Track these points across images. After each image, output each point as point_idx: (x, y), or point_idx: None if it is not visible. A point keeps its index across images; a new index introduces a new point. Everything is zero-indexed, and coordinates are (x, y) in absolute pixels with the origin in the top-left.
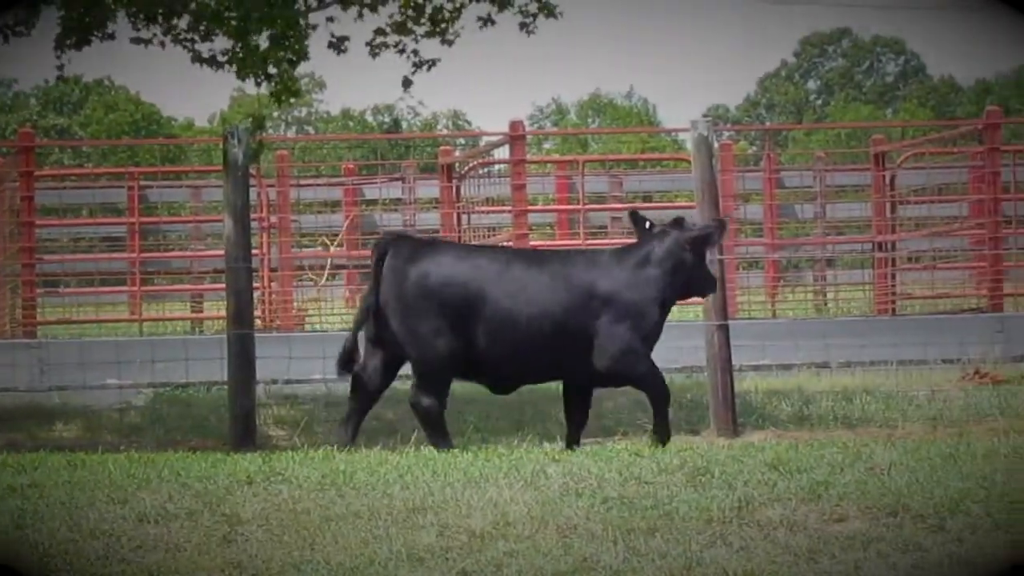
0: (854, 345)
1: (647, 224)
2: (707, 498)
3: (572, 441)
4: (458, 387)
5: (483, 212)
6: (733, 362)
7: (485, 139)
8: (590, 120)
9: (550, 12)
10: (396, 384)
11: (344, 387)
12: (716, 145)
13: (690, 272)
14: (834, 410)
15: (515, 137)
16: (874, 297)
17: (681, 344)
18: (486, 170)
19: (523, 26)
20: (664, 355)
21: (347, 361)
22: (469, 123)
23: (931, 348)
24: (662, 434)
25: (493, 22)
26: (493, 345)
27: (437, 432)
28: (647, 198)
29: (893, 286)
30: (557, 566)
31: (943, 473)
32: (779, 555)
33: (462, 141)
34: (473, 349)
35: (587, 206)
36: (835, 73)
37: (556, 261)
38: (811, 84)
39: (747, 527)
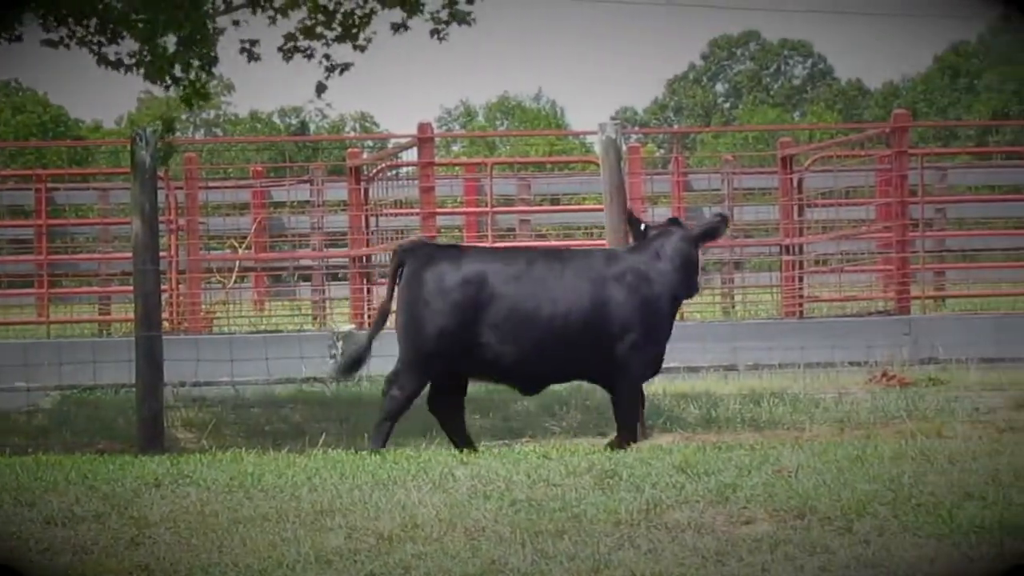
0: (762, 348)
1: (642, 226)
2: (615, 500)
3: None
4: (364, 391)
5: (391, 214)
6: None
7: (393, 141)
8: (498, 123)
9: (462, 19)
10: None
11: (252, 390)
12: (624, 148)
13: (695, 269)
14: (742, 413)
15: (423, 139)
16: (781, 300)
17: None
18: (394, 172)
19: (435, 32)
20: None
21: (354, 365)
22: (377, 125)
23: (838, 351)
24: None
25: (407, 27)
26: (515, 346)
27: (383, 427)
28: (555, 200)
29: (800, 289)
30: (465, 568)
31: (850, 475)
32: (687, 557)
33: (370, 143)
34: (491, 350)
35: (495, 208)
36: (743, 76)
37: (574, 260)
38: (719, 87)
39: (655, 529)
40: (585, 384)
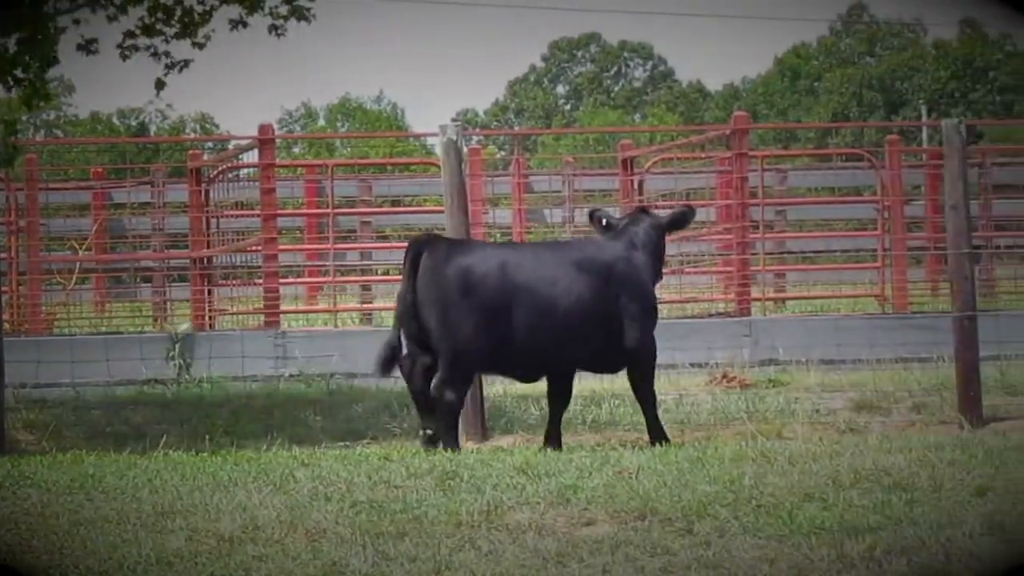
0: None
1: (604, 221)
2: (456, 502)
3: (553, 434)
4: (205, 392)
5: (232, 216)
6: None
7: (234, 143)
8: (339, 124)
9: (301, 15)
10: (146, 388)
11: (93, 392)
12: (465, 149)
13: (663, 256)
14: (583, 414)
15: (264, 141)
16: None
17: None
18: (235, 174)
19: (273, 28)
20: None
21: (390, 360)
22: (217, 127)
23: (679, 352)
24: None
25: (245, 24)
26: (527, 337)
27: (451, 428)
28: (396, 202)
29: None
30: (306, 570)
31: (691, 476)
32: (528, 559)
33: (211, 145)
34: (507, 343)
35: (336, 210)
36: (584, 78)
37: (575, 250)
38: (560, 89)
39: (496, 531)
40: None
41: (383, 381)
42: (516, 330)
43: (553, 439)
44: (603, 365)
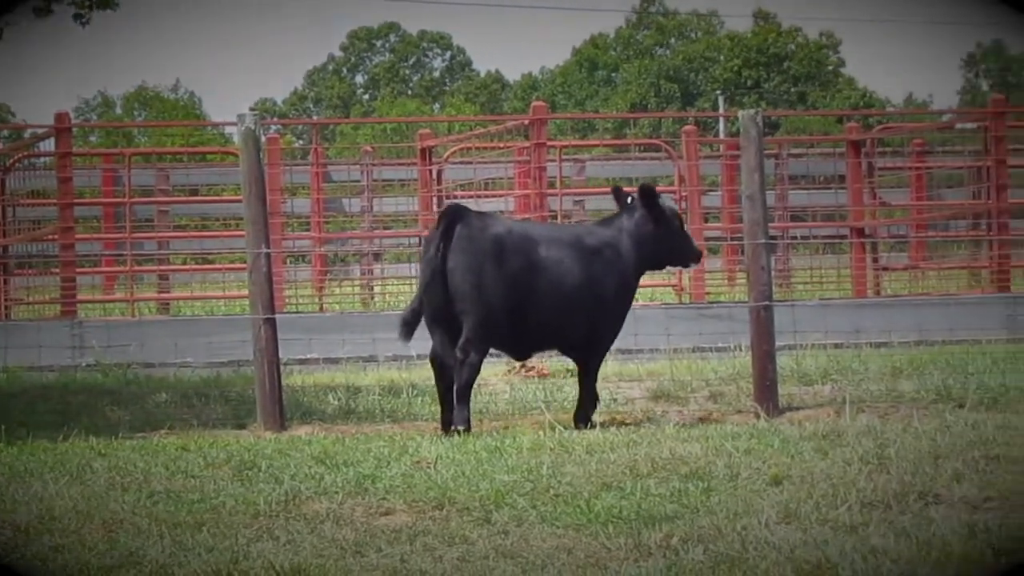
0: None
1: (629, 198)
2: (254, 492)
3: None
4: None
5: (28, 205)
6: (280, 356)
7: (30, 131)
8: (136, 113)
9: (106, 3)
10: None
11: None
12: (263, 139)
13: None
14: (381, 404)
15: (60, 129)
16: None
17: (230, 338)
18: (31, 163)
19: (77, 17)
20: (209, 350)
21: (412, 324)
22: (13, 115)
23: None
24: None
25: (51, 11)
26: (539, 311)
27: (467, 391)
28: (194, 191)
29: None
30: (103, 561)
31: (489, 466)
32: (325, 548)
33: (6, 133)
34: (524, 315)
35: (133, 199)
36: (382, 68)
37: (580, 232)
38: (358, 78)
39: (294, 521)
40: (224, 376)
41: (180, 372)
42: (532, 304)
43: None
44: (578, 349)
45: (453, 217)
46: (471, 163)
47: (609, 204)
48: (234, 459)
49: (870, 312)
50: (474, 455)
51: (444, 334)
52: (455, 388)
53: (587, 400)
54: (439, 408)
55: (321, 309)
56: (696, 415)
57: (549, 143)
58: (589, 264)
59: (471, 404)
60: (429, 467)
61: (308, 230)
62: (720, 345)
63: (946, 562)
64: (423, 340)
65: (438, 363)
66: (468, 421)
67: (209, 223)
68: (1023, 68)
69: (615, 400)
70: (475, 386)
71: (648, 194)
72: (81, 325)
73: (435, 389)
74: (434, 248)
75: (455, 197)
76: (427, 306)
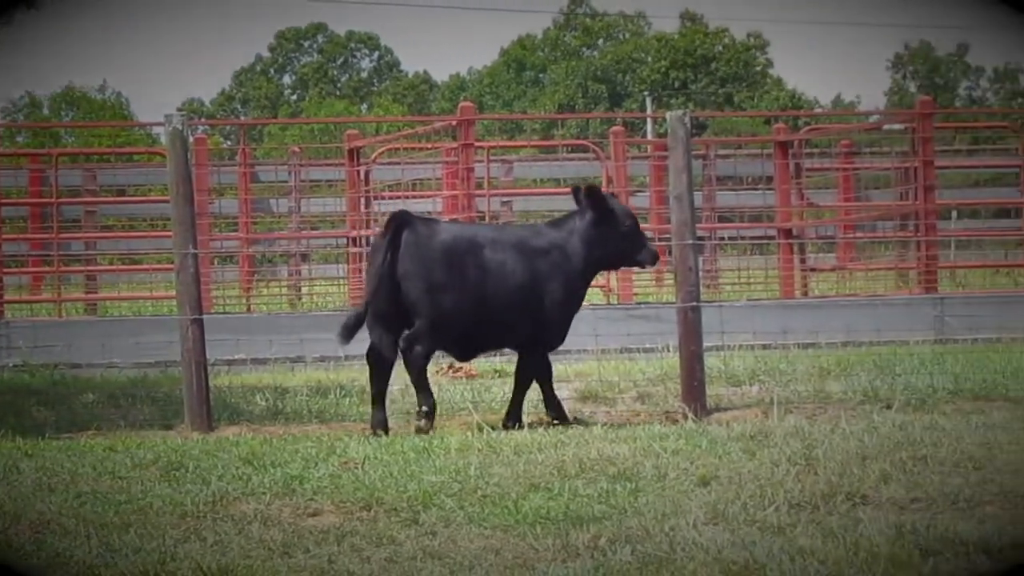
0: (328, 340)
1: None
2: (181, 493)
3: (549, 402)
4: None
5: None
6: (207, 356)
7: None
8: (63, 114)
9: (30, 4)
10: None
11: None
12: (191, 139)
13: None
14: (308, 405)
15: None
16: (348, 292)
17: (158, 339)
18: None
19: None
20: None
21: (353, 329)
22: None
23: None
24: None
25: None
26: (484, 314)
27: (423, 381)
28: (121, 191)
29: None
30: (30, 561)
31: (417, 467)
32: (253, 549)
33: None
34: (471, 317)
35: (60, 200)
36: (310, 68)
37: (522, 233)
38: (286, 79)
39: (221, 522)
40: (151, 376)
41: (107, 372)
42: (480, 306)
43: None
44: (524, 348)
45: (400, 224)
46: (399, 164)
47: (536, 205)
48: (161, 460)
49: (798, 313)
50: (402, 456)
51: (385, 333)
52: (411, 381)
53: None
54: (370, 408)
55: (249, 310)
56: (624, 415)
57: (477, 144)
58: (535, 265)
59: (430, 388)
60: (357, 468)
61: (236, 231)
62: (648, 346)
63: (873, 563)
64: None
65: (375, 361)
66: (433, 405)
67: (136, 223)
68: (950, 70)
69: (542, 401)
70: (398, 385)
71: (594, 194)
72: (8, 325)
73: (363, 390)
74: (381, 256)
75: (383, 198)
76: (375, 310)
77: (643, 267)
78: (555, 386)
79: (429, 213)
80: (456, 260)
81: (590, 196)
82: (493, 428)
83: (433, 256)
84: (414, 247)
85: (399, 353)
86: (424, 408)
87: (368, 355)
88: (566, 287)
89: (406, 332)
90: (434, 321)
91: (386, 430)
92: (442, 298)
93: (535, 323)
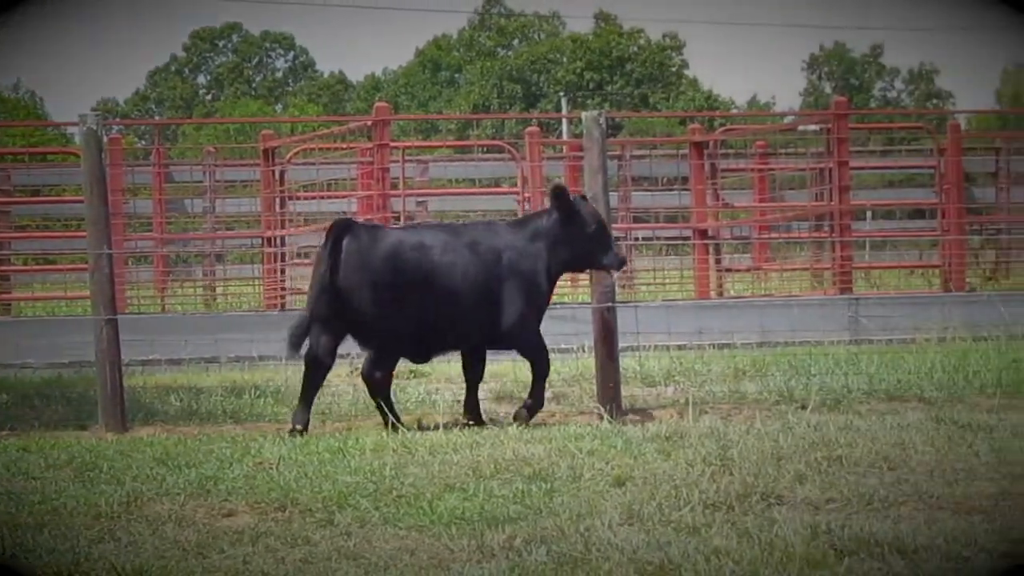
0: (244, 340)
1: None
2: (95, 493)
3: (469, 402)
4: None
5: None
6: (122, 357)
7: None
8: None
9: None
10: None
11: None
12: (105, 139)
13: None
14: (223, 405)
15: None
16: (263, 292)
17: (72, 339)
18: None
19: None
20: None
21: (300, 339)
22: None
23: None
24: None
25: None
26: (436, 318)
27: (389, 403)
28: (36, 191)
29: (283, 281)
30: None
31: (332, 467)
32: (168, 550)
33: None
34: (422, 324)
35: None
36: (225, 68)
37: (477, 233)
38: (201, 79)
39: (136, 522)
40: (65, 376)
41: (21, 372)
42: (430, 310)
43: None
44: (490, 345)
45: (340, 233)
46: (314, 164)
47: (451, 205)
48: (76, 460)
49: (713, 313)
50: (317, 456)
51: (325, 338)
52: (380, 404)
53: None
54: (297, 404)
55: (163, 310)
56: (539, 417)
57: (392, 144)
58: (487, 266)
59: (392, 403)
60: (272, 468)
61: (150, 231)
62: (563, 346)
63: (788, 563)
64: (263, 342)
65: (311, 363)
66: (397, 416)
67: (51, 223)
68: (865, 70)
69: (458, 401)
70: (319, 385)
71: (559, 195)
72: None
73: (278, 390)
74: (325, 266)
75: (298, 198)
76: (316, 315)
77: (609, 271)
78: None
79: (344, 213)
80: (401, 268)
81: (555, 196)
82: (408, 428)
83: (375, 266)
84: (356, 256)
85: (333, 361)
86: (393, 424)
87: (306, 356)
88: (525, 286)
89: (365, 359)
90: (384, 337)
91: (306, 429)
92: (389, 311)
93: (492, 324)
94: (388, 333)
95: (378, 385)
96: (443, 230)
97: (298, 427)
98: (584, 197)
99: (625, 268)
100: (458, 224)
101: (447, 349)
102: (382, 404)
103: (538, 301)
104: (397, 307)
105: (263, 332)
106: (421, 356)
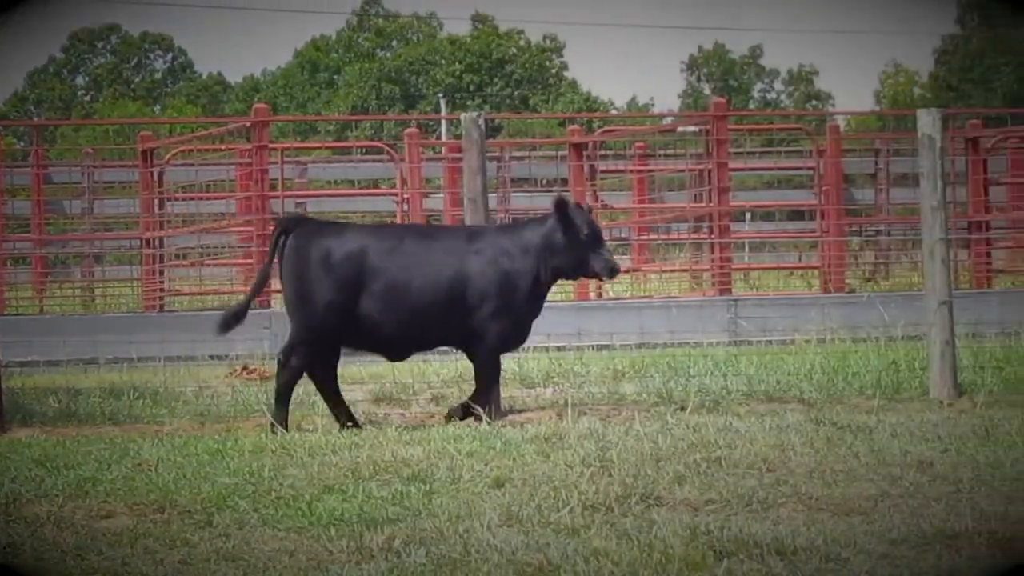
0: (122, 341)
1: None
2: None
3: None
4: None
5: None
6: (1, 358)
7: None
8: None
9: None
10: None
11: None
12: None
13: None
14: (102, 407)
15: None
16: (142, 293)
17: None
18: None
19: None
20: None
21: (230, 321)
22: None
23: (199, 344)
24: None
25: None
26: (384, 318)
27: (285, 395)
28: None
29: (161, 282)
30: None
31: (211, 469)
32: (46, 551)
33: None
34: (367, 322)
35: None
36: (104, 69)
37: (443, 235)
38: (80, 80)
39: (14, 523)
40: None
41: None
42: (373, 311)
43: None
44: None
45: (283, 228)
46: (193, 165)
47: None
48: None
49: (592, 315)
50: (196, 457)
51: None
52: (276, 388)
53: (480, 396)
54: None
55: (41, 311)
56: (418, 418)
57: (271, 145)
58: (455, 266)
59: (289, 405)
60: (150, 469)
61: (28, 232)
62: (443, 349)
63: (667, 564)
64: (143, 343)
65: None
66: (284, 421)
67: None
68: (744, 72)
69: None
70: (294, 388)
71: (559, 204)
72: None
73: (156, 391)
74: (267, 259)
75: (176, 199)
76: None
77: (600, 279)
78: (346, 388)
79: (222, 215)
80: (335, 264)
81: (556, 206)
82: (287, 430)
83: (308, 261)
84: (292, 251)
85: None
86: (271, 423)
87: (279, 354)
88: (500, 287)
89: (284, 344)
90: (304, 327)
91: (285, 426)
92: (313, 303)
93: (463, 323)
94: (305, 328)
95: (288, 373)
96: (410, 232)
97: (276, 426)
98: (581, 205)
99: (617, 276)
100: (435, 226)
101: (423, 348)
102: (279, 395)
103: (512, 307)
104: (324, 301)
105: (142, 333)
106: (394, 353)
